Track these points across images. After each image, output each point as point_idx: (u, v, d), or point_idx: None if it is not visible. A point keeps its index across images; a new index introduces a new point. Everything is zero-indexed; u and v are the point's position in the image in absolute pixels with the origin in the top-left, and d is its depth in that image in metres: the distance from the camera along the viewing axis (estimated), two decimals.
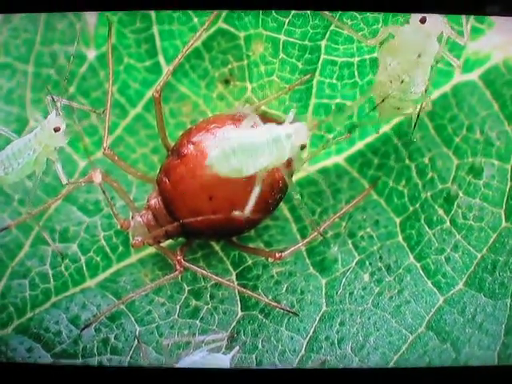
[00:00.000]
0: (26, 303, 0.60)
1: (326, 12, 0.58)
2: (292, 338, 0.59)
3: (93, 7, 0.60)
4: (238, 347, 0.58)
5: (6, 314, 0.60)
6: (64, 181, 0.57)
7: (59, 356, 0.59)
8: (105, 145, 0.58)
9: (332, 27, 0.59)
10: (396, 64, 0.54)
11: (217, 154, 0.51)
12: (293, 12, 0.59)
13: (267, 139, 0.51)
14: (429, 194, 0.60)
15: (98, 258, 0.61)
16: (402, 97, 0.55)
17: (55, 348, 0.59)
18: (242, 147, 0.51)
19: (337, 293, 0.59)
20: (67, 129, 0.56)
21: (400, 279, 0.59)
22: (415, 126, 0.57)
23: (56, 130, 0.55)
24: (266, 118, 0.58)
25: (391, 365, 0.57)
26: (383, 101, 0.54)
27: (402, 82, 0.54)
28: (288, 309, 0.59)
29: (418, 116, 0.55)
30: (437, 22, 0.53)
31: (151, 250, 0.61)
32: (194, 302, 0.60)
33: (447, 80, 0.60)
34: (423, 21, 0.53)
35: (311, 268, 0.60)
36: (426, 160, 0.60)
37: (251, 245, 0.60)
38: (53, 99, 0.56)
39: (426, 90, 0.55)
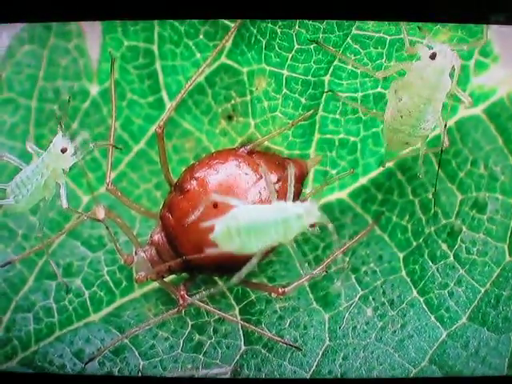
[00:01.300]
0: (31, 337, 0.61)
1: (331, 47, 0.58)
2: (295, 373, 0.59)
3: (95, 17, 0.60)
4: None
5: (10, 347, 0.61)
6: (64, 205, 0.57)
7: None
8: (108, 180, 0.59)
9: (335, 62, 0.59)
10: (407, 99, 0.54)
11: (221, 231, 0.51)
12: (296, 47, 0.59)
13: (275, 219, 0.51)
14: (432, 228, 0.60)
15: (102, 293, 0.62)
16: (411, 132, 0.55)
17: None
18: (248, 227, 0.51)
19: (340, 327, 0.60)
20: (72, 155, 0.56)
21: (403, 314, 0.59)
22: (437, 159, 0.58)
23: (63, 150, 0.56)
24: (268, 154, 0.60)
25: None
26: (392, 135, 0.55)
27: (412, 116, 0.54)
28: (291, 343, 0.60)
29: (441, 152, 0.56)
30: (447, 57, 0.53)
31: (155, 284, 0.61)
32: (197, 337, 0.60)
33: (451, 114, 0.60)
34: (433, 57, 0.53)
35: (314, 303, 0.60)
36: (430, 195, 0.60)
37: (254, 280, 0.61)
38: (58, 119, 0.57)
39: (445, 126, 0.55)
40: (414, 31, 0.58)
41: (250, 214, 0.51)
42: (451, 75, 0.54)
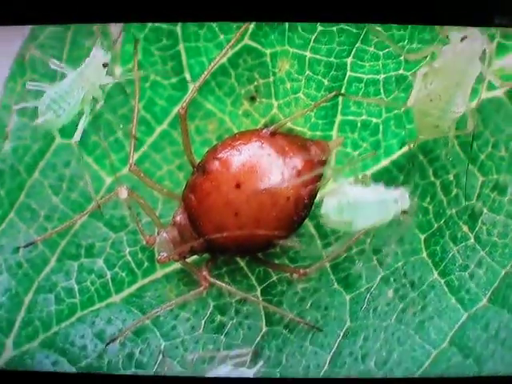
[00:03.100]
0: (52, 317, 0.63)
1: (377, 27, 0.59)
2: (316, 353, 0.61)
3: (117, 20, 0.61)
4: (262, 362, 0.60)
5: (32, 327, 0.63)
6: (76, 138, 0.58)
7: (84, 370, 0.61)
8: (131, 161, 0.60)
9: (358, 44, 0.60)
10: (437, 83, 0.55)
11: (333, 205, 0.54)
12: (319, 29, 0.60)
13: (379, 199, 0.54)
14: (453, 210, 0.61)
15: (124, 274, 0.63)
16: (441, 115, 0.56)
17: (80, 362, 0.62)
18: (356, 203, 0.54)
19: (361, 309, 0.61)
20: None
21: (424, 295, 0.61)
22: (472, 144, 0.59)
23: (104, 65, 0.57)
24: (291, 136, 0.61)
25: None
26: (423, 118, 0.56)
27: (442, 99, 0.55)
28: (312, 324, 0.61)
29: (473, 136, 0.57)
30: (478, 40, 0.54)
31: (176, 265, 0.63)
32: (218, 318, 0.62)
33: (473, 97, 0.61)
34: (463, 40, 0.54)
35: (336, 284, 0.61)
36: (451, 177, 0.61)
37: (276, 261, 0.62)
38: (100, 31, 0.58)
39: (473, 109, 0.56)
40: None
41: (358, 192, 0.55)
42: (482, 59, 0.55)
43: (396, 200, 0.55)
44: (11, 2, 0.60)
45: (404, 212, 0.55)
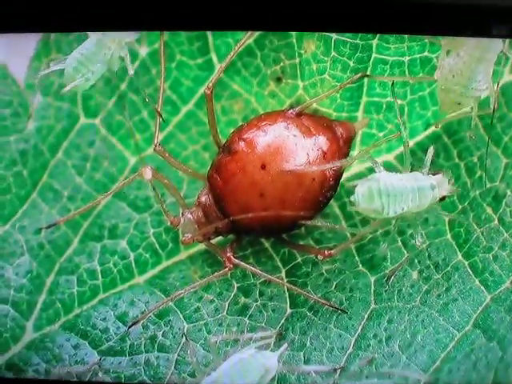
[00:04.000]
0: (74, 300, 0.63)
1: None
2: (340, 336, 0.61)
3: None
4: (286, 345, 0.59)
5: (53, 310, 0.63)
6: (131, 72, 0.58)
7: (106, 353, 0.61)
8: (156, 141, 0.60)
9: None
10: (459, 59, 0.56)
11: (363, 192, 0.55)
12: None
13: (412, 187, 0.55)
14: (477, 192, 0.62)
15: (147, 255, 0.63)
16: (463, 92, 0.57)
17: (102, 345, 0.61)
18: (388, 190, 0.55)
19: (385, 290, 0.61)
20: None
21: (448, 277, 0.61)
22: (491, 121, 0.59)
23: None
24: (317, 116, 0.61)
25: (438, 363, 0.59)
26: (445, 94, 0.57)
27: (464, 75, 0.56)
28: (337, 306, 0.61)
29: (494, 112, 0.57)
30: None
31: (201, 246, 0.63)
32: (242, 300, 0.62)
33: (495, 79, 0.62)
34: None
35: (360, 266, 0.62)
36: (475, 159, 0.62)
37: (301, 242, 0.63)
38: None
39: (496, 87, 0.57)
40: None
41: (390, 178, 0.55)
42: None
43: (433, 186, 0.56)
44: None
45: (443, 198, 0.56)
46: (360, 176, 0.62)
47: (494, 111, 0.58)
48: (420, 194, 0.56)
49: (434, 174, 0.57)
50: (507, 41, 0.56)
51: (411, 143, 0.63)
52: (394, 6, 0.56)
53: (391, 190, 0.55)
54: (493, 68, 0.57)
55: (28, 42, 0.62)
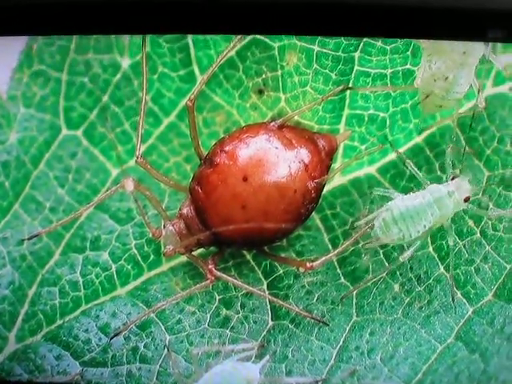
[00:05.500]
0: (56, 311, 0.63)
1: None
2: (322, 348, 0.61)
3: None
4: (268, 356, 0.60)
5: (35, 321, 0.63)
6: None
7: (88, 364, 0.62)
8: (138, 153, 0.61)
9: (365, 39, 0.62)
10: (441, 63, 0.57)
11: (379, 225, 0.57)
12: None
13: (428, 201, 0.57)
14: None
15: (129, 267, 0.64)
16: (444, 95, 0.58)
17: (84, 356, 0.62)
18: (403, 215, 0.56)
19: (367, 303, 0.62)
20: None
21: (430, 290, 0.62)
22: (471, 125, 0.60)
23: None
24: (298, 129, 0.62)
25: (420, 375, 0.60)
26: (426, 97, 0.58)
27: (446, 79, 0.57)
28: (319, 318, 0.62)
29: (473, 116, 0.58)
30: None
31: (183, 258, 0.63)
32: (224, 312, 0.62)
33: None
34: None
35: (342, 278, 0.62)
36: (457, 171, 0.62)
37: (283, 254, 0.63)
38: None
39: (478, 91, 0.57)
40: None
41: (403, 203, 0.57)
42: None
43: (451, 193, 0.57)
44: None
45: (467, 199, 0.57)
46: (341, 190, 0.63)
47: (473, 115, 0.59)
48: (438, 205, 0.57)
49: (452, 179, 0.58)
50: (490, 45, 0.57)
51: (393, 156, 0.63)
52: (373, 9, 0.57)
53: (406, 213, 0.56)
54: (474, 70, 0.58)
55: (10, 54, 0.63)
